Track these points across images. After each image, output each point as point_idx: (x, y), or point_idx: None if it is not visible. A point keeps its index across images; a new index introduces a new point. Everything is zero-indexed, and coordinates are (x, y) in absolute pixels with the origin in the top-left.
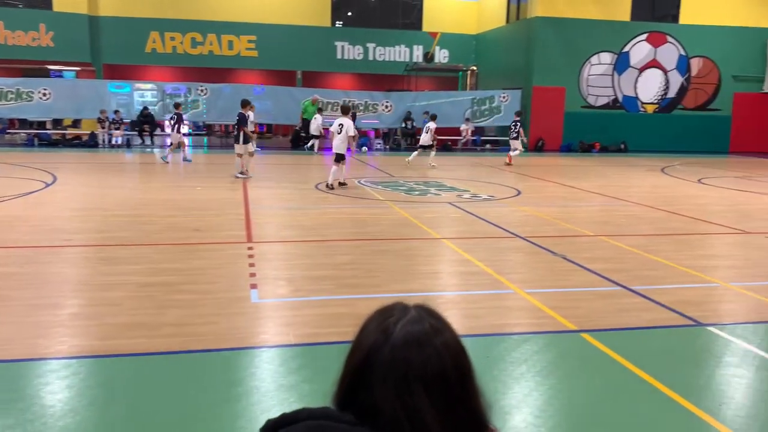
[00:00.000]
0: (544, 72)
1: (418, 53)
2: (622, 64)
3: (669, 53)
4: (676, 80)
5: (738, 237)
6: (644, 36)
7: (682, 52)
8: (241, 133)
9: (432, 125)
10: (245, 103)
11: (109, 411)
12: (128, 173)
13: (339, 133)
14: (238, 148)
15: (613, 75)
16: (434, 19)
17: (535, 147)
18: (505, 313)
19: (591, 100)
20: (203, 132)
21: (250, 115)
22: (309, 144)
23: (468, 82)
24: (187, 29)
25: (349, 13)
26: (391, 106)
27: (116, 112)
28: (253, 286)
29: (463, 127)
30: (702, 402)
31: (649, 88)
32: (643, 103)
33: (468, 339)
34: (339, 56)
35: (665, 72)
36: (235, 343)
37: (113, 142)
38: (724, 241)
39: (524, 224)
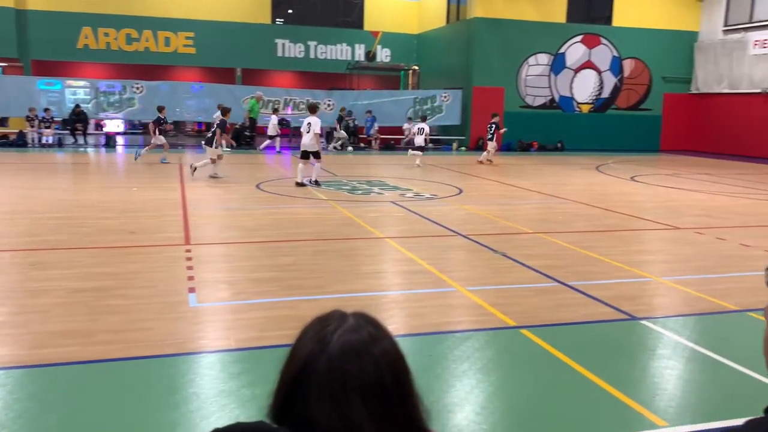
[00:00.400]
0: (483, 72)
1: (359, 52)
2: (558, 64)
3: (603, 55)
4: (610, 81)
5: (669, 233)
6: (579, 37)
7: (615, 54)
8: (215, 138)
9: (425, 127)
10: (226, 110)
11: (40, 423)
12: (60, 174)
13: (308, 132)
14: (211, 151)
15: (550, 75)
16: (375, 18)
17: (476, 146)
18: (448, 311)
19: (529, 100)
20: (140, 131)
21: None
22: (263, 145)
23: (410, 82)
24: (122, 25)
25: (290, 11)
26: (333, 104)
27: (46, 110)
28: (192, 290)
29: (405, 126)
30: (636, 394)
31: (584, 88)
32: (578, 103)
33: (411, 338)
34: (279, 54)
35: (599, 73)
36: (173, 349)
37: (43, 141)
38: (656, 237)
39: (466, 222)
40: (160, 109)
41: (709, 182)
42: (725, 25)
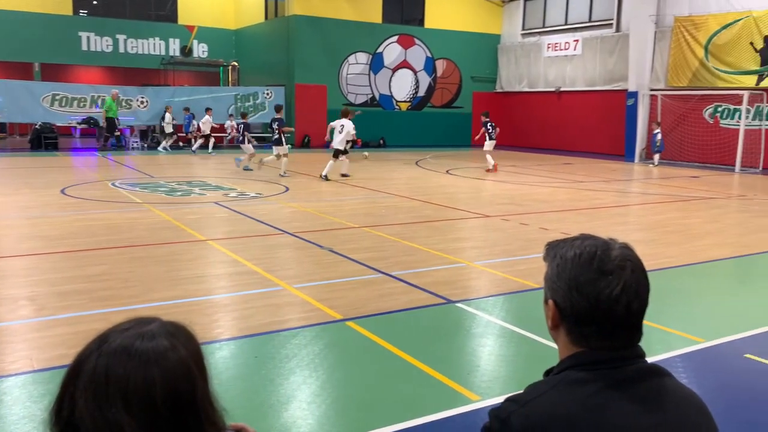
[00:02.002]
0: (305, 70)
1: (174, 47)
2: (376, 64)
3: (417, 55)
4: (425, 80)
5: (479, 220)
6: (395, 38)
7: (429, 54)
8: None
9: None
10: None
11: None
12: None
13: (340, 133)
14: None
15: (369, 74)
16: (190, 11)
17: (302, 143)
18: (274, 310)
19: (351, 98)
20: None
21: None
22: (196, 146)
23: (230, 78)
24: None
25: (95, 2)
26: (147, 101)
27: None
28: None
29: (227, 123)
30: (453, 373)
31: (401, 87)
32: (397, 101)
33: (237, 341)
34: (84, 48)
35: (415, 72)
36: None
37: None
38: (468, 225)
39: (292, 220)
40: (243, 115)
41: (514, 173)
42: (523, 29)
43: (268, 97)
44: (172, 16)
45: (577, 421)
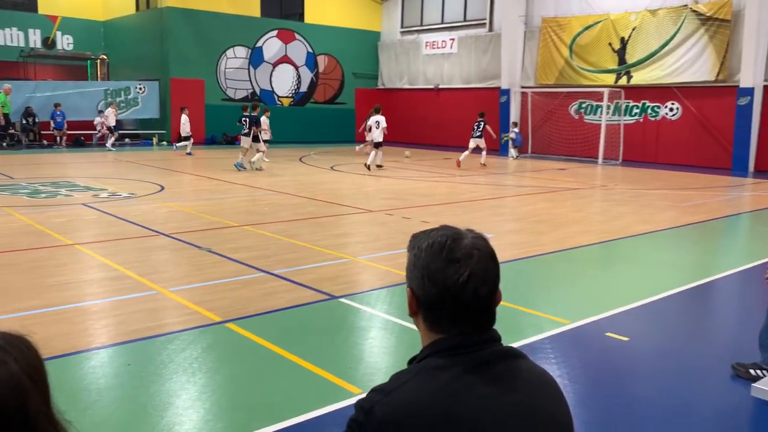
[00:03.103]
0: (180, 64)
1: (35, 38)
2: (256, 58)
3: (298, 50)
4: (307, 76)
5: (363, 215)
6: (274, 32)
7: (310, 50)
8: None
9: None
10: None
11: None
12: None
13: (377, 128)
14: None
15: (249, 69)
16: (52, 1)
17: (179, 140)
18: (149, 315)
19: (231, 93)
20: None
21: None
22: (179, 144)
23: (99, 72)
24: None
25: None
26: None
27: None
28: None
29: (97, 120)
30: (335, 368)
31: (283, 82)
32: (279, 96)
33: (108, 350)
34: None
35: (296, 68)
36: None
37: None
38: (352, 220)
39: (169, 221)
40: (254, 107)
41: (397, 169)
42: (402, 27)
43: (140, 91)
44: (31, 5)
45: (439, 406)
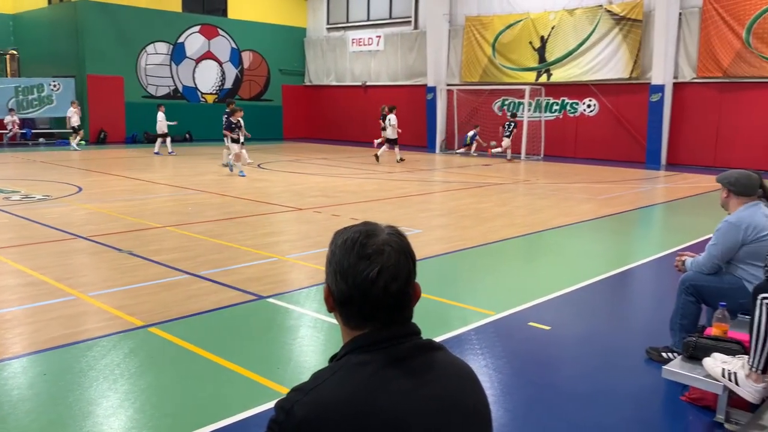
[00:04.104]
0: (97, 60)
1: None
2: (178, 54)
3: (222, 46)
4: (231, 72)
5: (292, 214)
6: (197, 28)
7: (234, 46)
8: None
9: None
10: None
11: None
12: None
13: (391, 126)
14: None
15: (171, 65)
16: None
17: (97, 139)
18: (67, 322)
19: (152, 90)
20: None
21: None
22: (157, 147)
23: (8, 68)
24: None
25: None
26: None
27: None
28: None
29: (7, 119)
30: (262, 368)
31: (206, 78)
32: (203, 93)
33: (21, 360)
34: None
35: (220, 64)
36: None
37: None
38: (281, 219)
39: (87, 223)
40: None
41: (325, 166)
42: (328, 24)
43: (55, 89)
44: None
45: (359, 403)
